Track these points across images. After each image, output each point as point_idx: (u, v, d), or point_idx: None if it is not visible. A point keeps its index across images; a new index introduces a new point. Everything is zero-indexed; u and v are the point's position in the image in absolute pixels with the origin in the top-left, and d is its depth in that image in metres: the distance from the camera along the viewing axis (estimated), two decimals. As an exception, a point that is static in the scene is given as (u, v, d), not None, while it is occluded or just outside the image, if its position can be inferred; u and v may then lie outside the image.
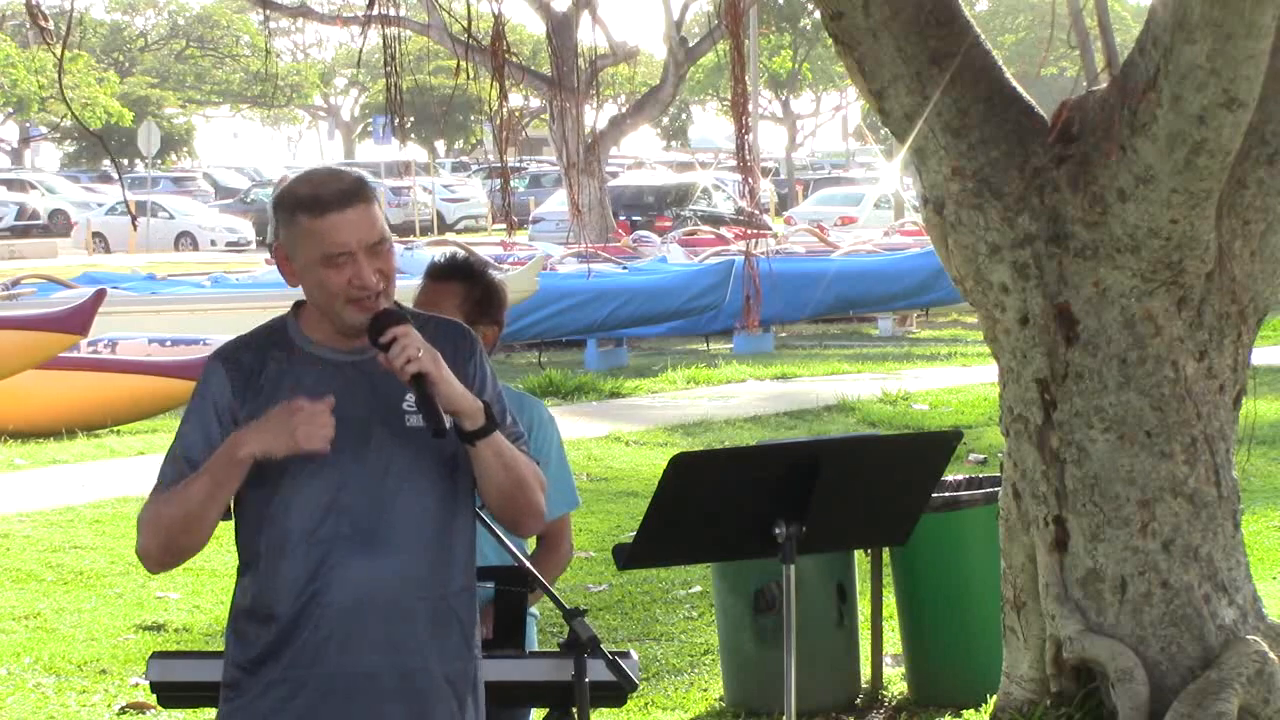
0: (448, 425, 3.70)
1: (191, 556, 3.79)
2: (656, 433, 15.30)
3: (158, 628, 9.12)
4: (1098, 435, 6.18)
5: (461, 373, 3.78)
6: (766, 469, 4.86)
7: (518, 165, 55.84)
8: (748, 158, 7.09)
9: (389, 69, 6.93)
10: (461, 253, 5.28)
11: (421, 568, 3.76)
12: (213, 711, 4.05)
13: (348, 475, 3.73)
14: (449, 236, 38.54)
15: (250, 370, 3.80)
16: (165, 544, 3.74)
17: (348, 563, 3.72)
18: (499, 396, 3.86)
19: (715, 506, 4.80)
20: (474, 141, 78.39)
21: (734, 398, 17.76)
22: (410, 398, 3.76)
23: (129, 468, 13.67)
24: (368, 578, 3.72)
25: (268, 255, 30.44)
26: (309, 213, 3.73)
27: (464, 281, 4.98)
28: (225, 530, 3.85)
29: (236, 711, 3.81)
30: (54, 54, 7.06)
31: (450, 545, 3.81)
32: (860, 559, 7.99)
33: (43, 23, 6.74)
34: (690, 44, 37.45)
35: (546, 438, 5.12)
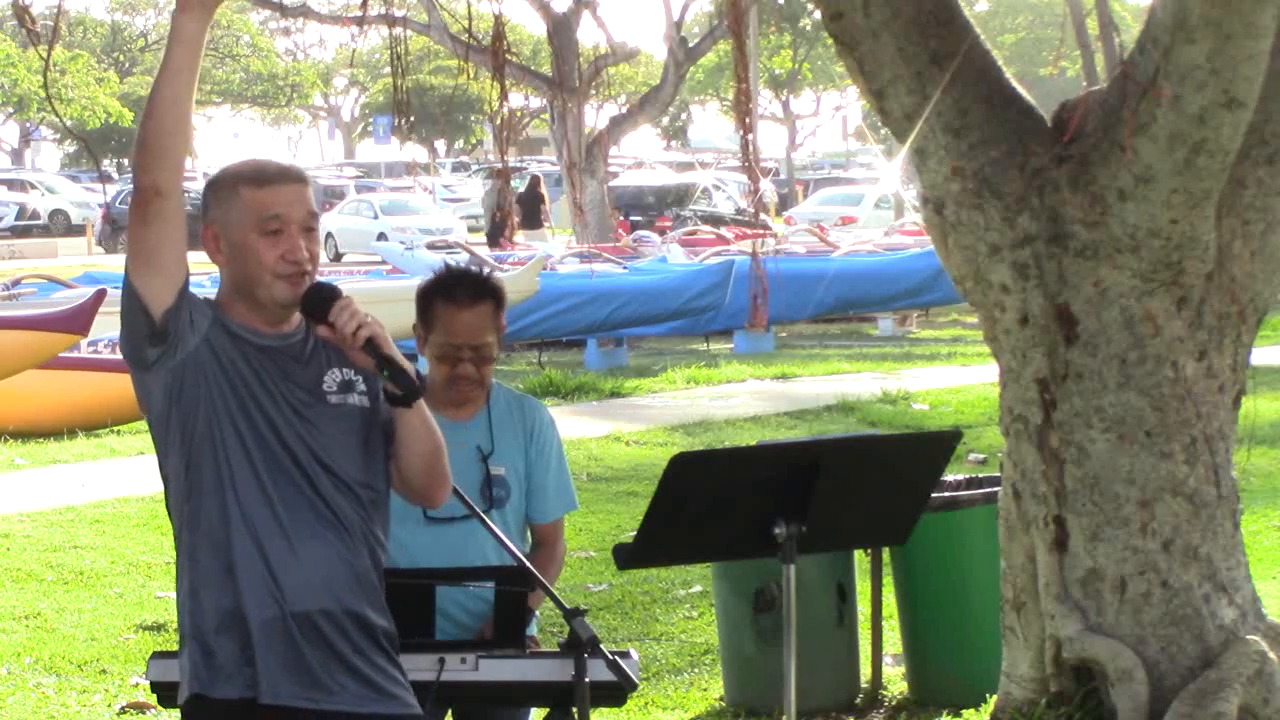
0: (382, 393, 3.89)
1: (163, 155, 3.78)
2: (656, 433, 15.29)
3: (158, 628, 9.11)
4: (1097, 435, 6.18)
5: None
6: (766, 469, 4.86)
7: (518, 165, 55.84)
8: (751, 158, 7.09)
9: (394, 68, 6.93)
10: (462, 263, 5.24)
11: (345, 537, 3.88)
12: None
13: (275, 453, 3.84)
14: (450, 236, 38.42)
15: (215, 324, 3.89)
16: (141, 143, 3.80)
17: (273, 532, 3.83)
18: None
19: (715, 506, 4.80)
20: (474, 141, 78.36)
21: (734, 398, 17.76)
22: (330, 375, 3.89)
23: (129, 468, 13.66)
24: (305, 548, 3.84)
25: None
26: (251, 184, 3.90)
27: (495, 301, 5.00)
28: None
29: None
30: (40, 55, 7.05)
31: (369, 517, 3.92)
32: (860, 559, 7.99)
33: (31, 25, 6.72)
34: (690, 44, 37.35)
35: (547, 439, 5.13)
